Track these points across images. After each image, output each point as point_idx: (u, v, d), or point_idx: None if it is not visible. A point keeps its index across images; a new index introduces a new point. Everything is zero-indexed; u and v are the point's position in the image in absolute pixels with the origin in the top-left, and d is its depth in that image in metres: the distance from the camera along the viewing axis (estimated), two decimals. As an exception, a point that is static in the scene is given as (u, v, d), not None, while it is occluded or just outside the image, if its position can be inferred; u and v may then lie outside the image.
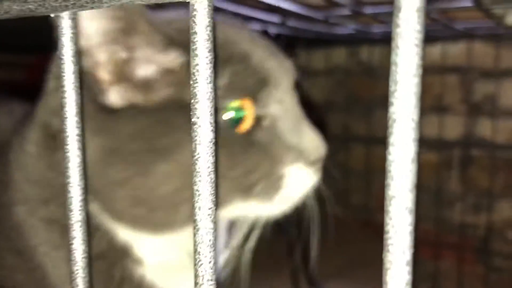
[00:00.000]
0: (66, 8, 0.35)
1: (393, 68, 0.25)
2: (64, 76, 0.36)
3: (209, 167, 0.32)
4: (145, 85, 0.52)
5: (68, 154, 0.37)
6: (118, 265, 0.58)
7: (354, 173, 1.69)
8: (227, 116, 0.55)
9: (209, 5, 0.30)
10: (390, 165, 0.26)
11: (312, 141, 0.60)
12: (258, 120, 0.57)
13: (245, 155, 0.56)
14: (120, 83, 0.51)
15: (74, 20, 0.36)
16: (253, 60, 0.56)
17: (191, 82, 0.31)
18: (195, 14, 0.30)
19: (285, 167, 0.58)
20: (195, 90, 0.31)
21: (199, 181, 0.32)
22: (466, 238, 1.54)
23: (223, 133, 0.53)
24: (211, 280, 0.32)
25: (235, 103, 0.55)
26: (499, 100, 1.47)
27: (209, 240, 0.32)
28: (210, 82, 0.31)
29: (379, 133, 1.58)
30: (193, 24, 0.30)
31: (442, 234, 1.57)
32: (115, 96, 0.52)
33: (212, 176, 0.33)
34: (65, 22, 0.36)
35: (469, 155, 1.53)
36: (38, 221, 0.57)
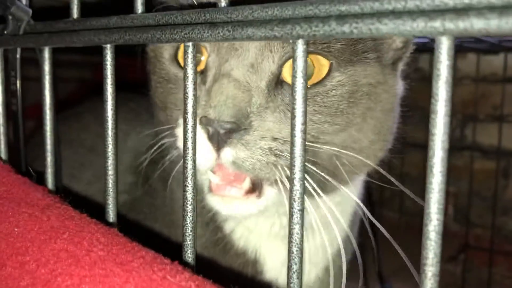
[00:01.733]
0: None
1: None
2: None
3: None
4: None
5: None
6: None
7: (409, 178, 1.73)
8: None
9: None
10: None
11: (213, 95, 0.54)
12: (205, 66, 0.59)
13: (171, 88, 0.64)
14: None
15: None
16: None
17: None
18: None
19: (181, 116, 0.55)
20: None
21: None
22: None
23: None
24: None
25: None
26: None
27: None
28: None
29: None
30: None
31: (497, 241, 1.58)
32: None
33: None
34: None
35: (527, 164, 1.54)
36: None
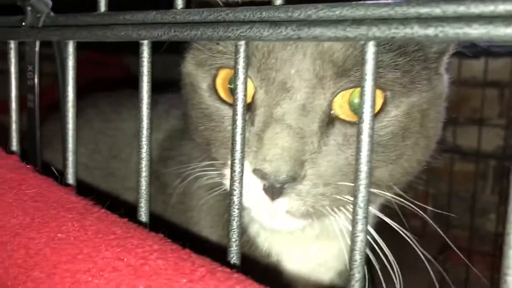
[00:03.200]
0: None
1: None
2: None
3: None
4: None
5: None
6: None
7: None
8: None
9: None
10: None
11: (267, 149, 0.52)
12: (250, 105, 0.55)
13: (217, 124, 0.60)
14: None
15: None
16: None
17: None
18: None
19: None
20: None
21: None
22: (499, 246, 1.59)
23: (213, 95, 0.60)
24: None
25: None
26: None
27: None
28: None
29: None
30: None
31: (475, 241, 1.62)
32: None
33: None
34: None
35: (505, 167, 1.58)
36: None
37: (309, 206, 0.53)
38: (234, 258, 0.48)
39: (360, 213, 0.42)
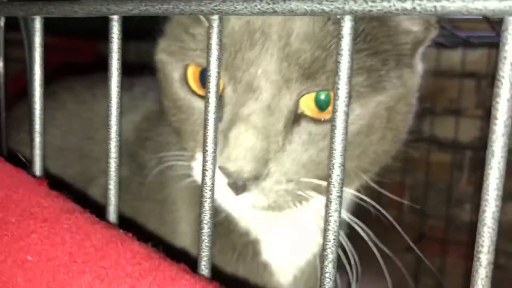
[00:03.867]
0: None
1: None
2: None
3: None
4: None
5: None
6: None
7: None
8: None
9: None
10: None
11: (231, 148, 0.52)
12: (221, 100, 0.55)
13: (186, 115, 0.60)
14: None
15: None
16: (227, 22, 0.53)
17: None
18: None
19: (199, 151, 0.57)
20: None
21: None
22: (474, 236, 1.61)
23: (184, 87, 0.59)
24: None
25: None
26: (514, 107, 1.54)
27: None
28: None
29: None
30: None
31: (450, 231, 1.64)
32: None
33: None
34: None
35: (481, 157, 1.59)
36: None
37: (272, 201, 0.55)
38: (205, 260, 0.47)
39: (334, 192, 0.41)
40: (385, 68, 0.56)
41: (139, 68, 0.80)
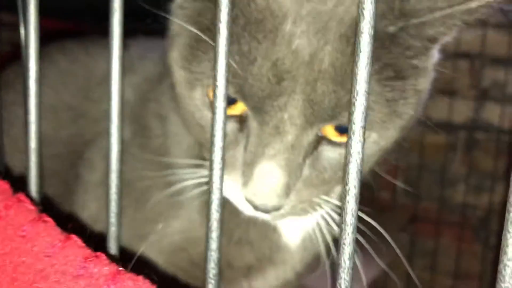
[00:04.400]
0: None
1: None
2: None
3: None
4: None
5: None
6: None
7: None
8: None
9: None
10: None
11: (256, 185, 0.56)
12: (241, 119, 0.57)
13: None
14: None
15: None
16: (256, 65, 0.54)
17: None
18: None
19: (230, 172, 0.58)
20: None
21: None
22: (467, 217, 1.61)
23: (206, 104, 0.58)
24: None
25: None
26: (508, 87, 1.53)
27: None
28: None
29: None
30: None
31: (443, 213, 1.64)
32: None
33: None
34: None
35: (474, 138, 1.59)
36: None
37: (288, 215, 0.59)
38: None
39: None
40: (401, 100, 0.57)
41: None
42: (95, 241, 0.47)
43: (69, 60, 0.85)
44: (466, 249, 1.61)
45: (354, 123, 0.39)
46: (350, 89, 0.49)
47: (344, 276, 0.40)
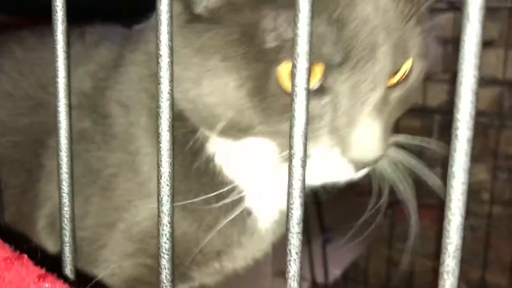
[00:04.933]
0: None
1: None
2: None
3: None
4: None
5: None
6: (194, 134, 0.67)
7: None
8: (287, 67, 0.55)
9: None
10: None
11: (359, 141, 0.56)
12: (320, 89, 0.56)
13: (284, 116, 0.57)
14: None
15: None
16: (349, 26, 0.55)
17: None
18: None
19: (315, 145, 0.58)
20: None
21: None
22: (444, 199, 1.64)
23: (274, 85, 0.56)
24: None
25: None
26: (480, 69, 1.55)
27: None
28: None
29: None
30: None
31: (421, 195, 1.66)
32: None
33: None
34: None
35: (450, 121, 1.61)
36: None
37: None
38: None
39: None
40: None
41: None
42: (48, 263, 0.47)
43: (25, 50, 0.83)
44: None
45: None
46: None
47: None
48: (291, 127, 0.40)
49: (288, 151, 0.50)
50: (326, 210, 1.53)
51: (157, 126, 0.44)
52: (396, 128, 1.75)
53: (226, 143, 0.65)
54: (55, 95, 0.48)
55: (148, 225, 0.68)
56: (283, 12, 0.54)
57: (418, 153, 1.62)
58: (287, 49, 0.54)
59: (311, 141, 0.57)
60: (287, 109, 0.54)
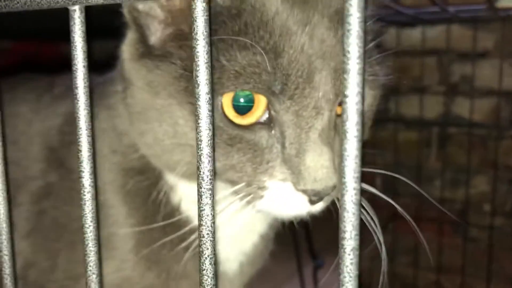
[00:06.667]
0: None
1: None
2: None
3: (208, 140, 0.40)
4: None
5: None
6: (157, 184, 0.68)
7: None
8: (232, 100, 0.55)
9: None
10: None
11: (309, 170, 0.55)
12: (268, 120, 0.56)
13: (233, 148, 0.57)
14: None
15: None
16: (285, 54, 0.54)
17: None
18: None
19: (270, 178, 0.57)
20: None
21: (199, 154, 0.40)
22: (444, 213, 1.63)
23: (220, 117, 0.55)
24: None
25: (247, 92, 0.55)
26: (475, 81, 1.56)
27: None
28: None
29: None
30: None
31: (422, 209, 1.65)
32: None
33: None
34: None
35: (447, 133, 1.61)
36: None
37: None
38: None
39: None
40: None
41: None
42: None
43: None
44: (447, 243, 1.62)
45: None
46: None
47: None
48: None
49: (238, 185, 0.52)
50: (316, 233, 1.52)
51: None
52: (395, 142, 1.74)
53: (192, 188, 0.64)
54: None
55: (114, 278, 0.68)
56: (220, 44, 0.54)
57: (417, 166, 1.62)
58: (227, 79, 0.54)
59: (266, 173, 0.57)
60: (235, 141, 0.55)
